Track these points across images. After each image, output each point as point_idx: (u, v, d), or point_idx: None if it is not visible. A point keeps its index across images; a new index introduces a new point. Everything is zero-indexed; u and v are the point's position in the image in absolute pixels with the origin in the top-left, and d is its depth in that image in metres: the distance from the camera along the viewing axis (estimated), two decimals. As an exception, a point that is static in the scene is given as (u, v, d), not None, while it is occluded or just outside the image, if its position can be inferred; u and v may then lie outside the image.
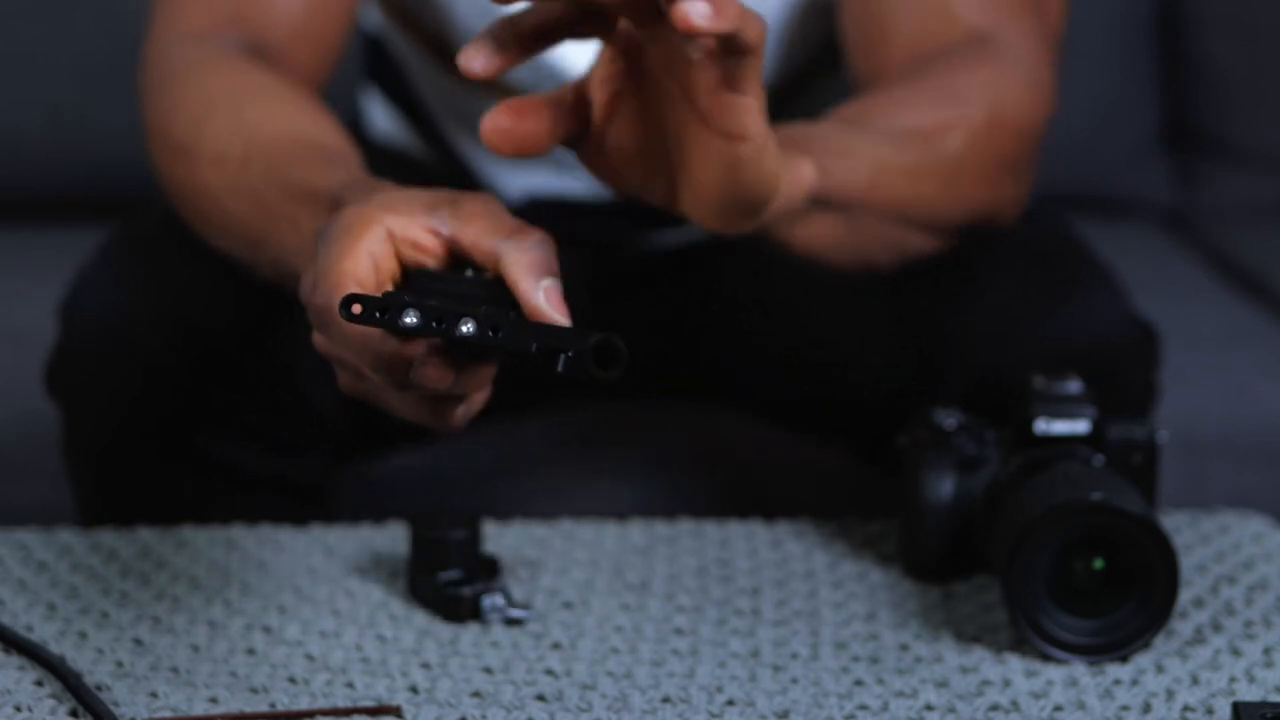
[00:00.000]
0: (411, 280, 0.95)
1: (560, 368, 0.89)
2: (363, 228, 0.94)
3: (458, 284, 0.94)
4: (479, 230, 0.95)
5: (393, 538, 1.18)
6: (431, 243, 0.95)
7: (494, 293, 0.93)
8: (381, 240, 0.94)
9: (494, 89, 1.41)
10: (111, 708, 0.96)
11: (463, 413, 0.97)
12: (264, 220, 1.12)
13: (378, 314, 0.88)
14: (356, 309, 0.88)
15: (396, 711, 0.96)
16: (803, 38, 1.38)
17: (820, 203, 1.07)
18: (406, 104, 1.51)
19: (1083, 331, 1.25)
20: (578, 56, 1.37)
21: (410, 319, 0.87)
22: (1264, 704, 0.94)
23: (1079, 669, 1.01)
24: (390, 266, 0.95)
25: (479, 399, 0.98)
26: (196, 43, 1.25)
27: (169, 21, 1.27)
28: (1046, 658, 1.02)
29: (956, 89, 1.19)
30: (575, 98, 0.97)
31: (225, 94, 1.20)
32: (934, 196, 1.18)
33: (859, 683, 1.00)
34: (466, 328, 0.87)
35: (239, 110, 1.18)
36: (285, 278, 1.12)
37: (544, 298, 0.93)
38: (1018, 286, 1.27)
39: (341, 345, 0.93)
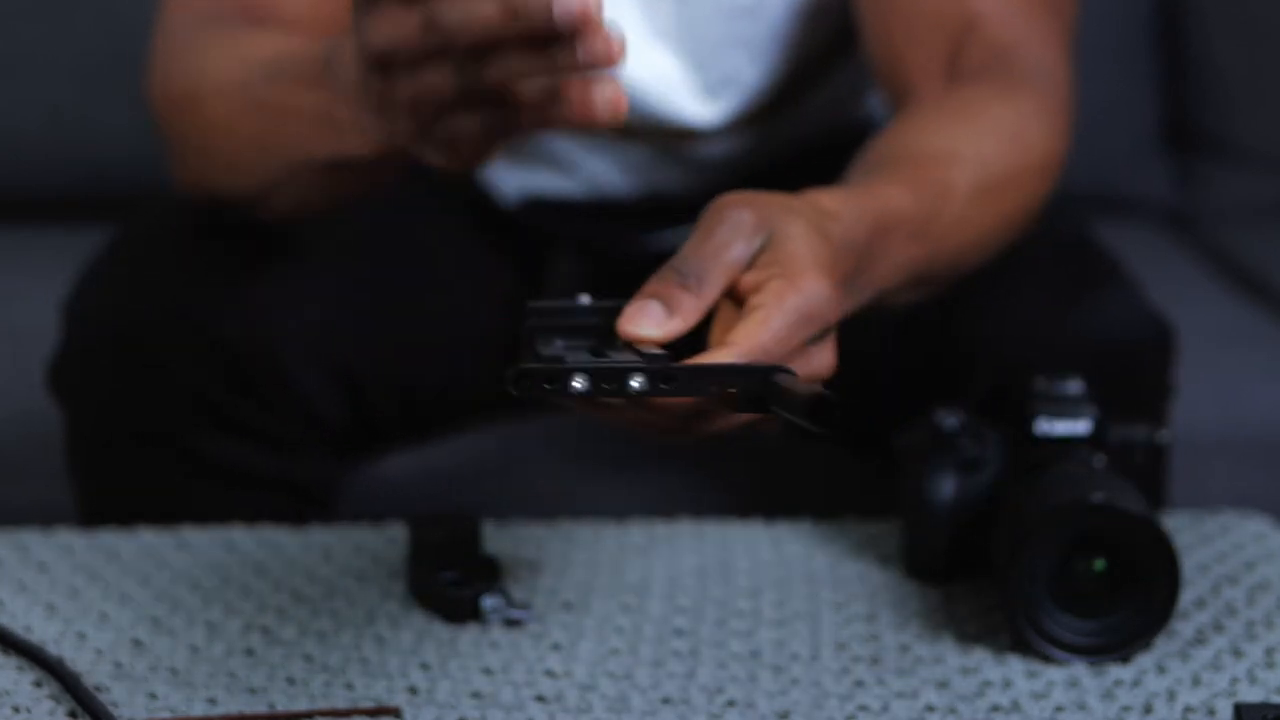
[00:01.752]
0: (528, 315, 0.94)
1: (739, 407, 0.89)
2: None
3: (576, 314, 0.94)
4: None
5: (392, 538, 1.18)
6: None
7: (611, 318, 0.94)
8: None
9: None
10: (110, 708, 0.95)
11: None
12: (270, 123, 1.12)
13: (546, 385, 0.87)
14: (524, 383, 0.87)
15: (395, 712, 0.96)
16: (806, 37, 1.38)
17: (920, 281, 1.11)
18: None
19: (1104, 330, 1.26)
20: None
21: (578, 384, 0.87)
22: (1266, 705, 0.93)
23: (1080, 670, 1.01)
24: None
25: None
26: (201, 24, 1.25)
27: (175, 9, 1.28)
28: (1048, 658, 1.02)
29: (1015, 129, 1.19)
30: None
31: (221, 42, 1.22)
32: (982, 254, 1.19)
33: (859, 683, 1.00)
34: (636, 383, 0.87)
35: (235, 47, 1.20)
36: (305, 175, 1.12)
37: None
38: (1038, 286, 1.28)
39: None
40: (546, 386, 0.87)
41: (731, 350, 0.92)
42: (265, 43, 1.18)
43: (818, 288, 0.95)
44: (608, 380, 0.87)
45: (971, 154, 1.15)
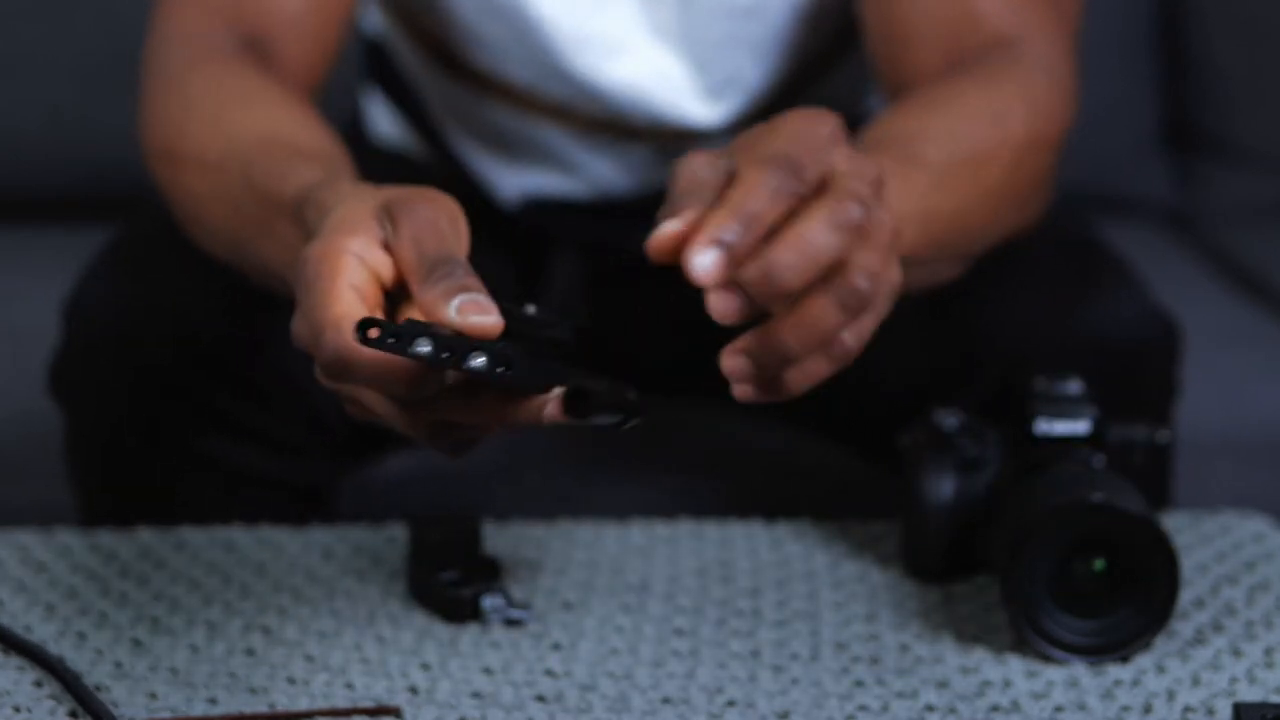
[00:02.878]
0: None
1: (565, 411, 0.89)
2: (334, 266, 0.92)
3: (518, 320, 0.94)
4: (406, 262, 0.93)
5: (392, 538, 1.18)
6: (388, 261, 0.93)
7: (553, 328, 0.94)
8: (359, 269, 0.92)
9: (495, 90, 1.41)
10: (110, 708, 0.95)
11: (472, 441, 0.97)
12: (244, 228, 1.11)
13: (391, 339, 0.87)
14: (373, 333, 0.87)
15: (396, 712, 0.96)
16: (808, 38, 1.38)
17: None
18: (407, 106, 1.51)
19: (1111, 328, 1.26)
20: (580, 56, 1.37)
21: (422, 348, 0.87)
22: (1265, 705, 0.93)
23: (1080, 670, 1.01)
24: (374, 292, 0.93)
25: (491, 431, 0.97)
26: (192, 42, 1.24)
27: (166, 20, 1.27)
28: (1047, 658, 1.02)
29: (994, 109, 1.17)
30: None
31: (206, 97, 1.19)
32: (976, 229, 1.17)
33: (859, 683, 1.00)
34: (476, 362, 0.87)
35: (220, 114, 1.17)
36: (273, 283, 1.12)
37: (456, 316, 0.90)
38: (1044, 284, 1.28)
39: (363, 380, 0.91)
40: (391, 341, 0.87)
41: (729, 204, 0.88)
42: (250, 118, 1.16)
43: (792, 116, 0.92)
44: (451, 350, 0.87)
45: (940, 131, 1.13)
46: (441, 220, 0.95)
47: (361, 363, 0.89)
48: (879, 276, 0.90)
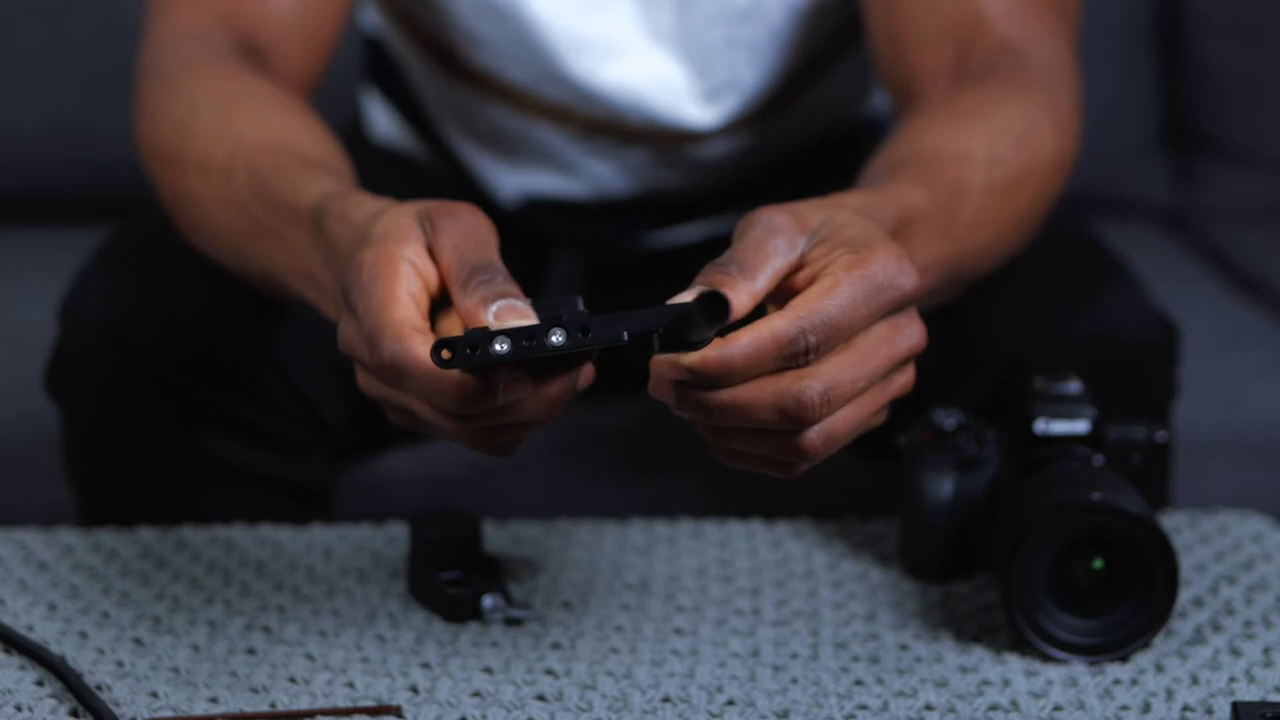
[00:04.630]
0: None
1: (656, 348, 0.89)
2: (391, 273, 0.94)
3: (540, 312, 0.94)
4: (446, 267, 0.95)
5: (392, 538, 1.18)
6: (432, 265, 0.96)
7: (568, 306, 0.94)
8: (414, 277, 0.94)
9: (494, 91, 1.41)
10: (112, 707, 0.96)
11: (519, 440, 0.97)
12: (251, 234, 1.12)
13: (469, 351, 0.88)
14: (446, 354, 0.88)
15: (397, 711, 0.96)
16: (806, 39, 1.39)
17: (948, 282, 1.11)
18: (406, 106, 1.51)
19: (1110, 328, 1.26)
20: (578, 59, 1.37)
21: (501, 346, 0.88)
22: (1263, 704, 0.94)
23: (1078, 669, 1.01)
24: (425, 300, 0.95)
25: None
26: (187, 44, 1.24)
27: (161, 22, 1.27)
28: (1046, 657, 1.02)
29: (1025, 126, 1.18)
30: None
31: (209, 101, 1.19)
32: (997, 260, 1.18)
33: (859, 682, 1.00)
34: (556, 338, 0.88)
35: (223, 117, 1.17)
36: (276, 290, 1.12)
37: (494, 321, 0.92)
38: (1044, 284, 1.28)
39: (415, 390, 0.93)
40: (469, 352, 0.88)
41: (790, 314, 0.90)
42: (253, 122, 1.17)
43: (886, 258, 0.93)
44: (529, 337, 0.88)
45: (983, 154, 1.14)
46: (480, 227, 0.97)
47: (417, 373, 0.91)
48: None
